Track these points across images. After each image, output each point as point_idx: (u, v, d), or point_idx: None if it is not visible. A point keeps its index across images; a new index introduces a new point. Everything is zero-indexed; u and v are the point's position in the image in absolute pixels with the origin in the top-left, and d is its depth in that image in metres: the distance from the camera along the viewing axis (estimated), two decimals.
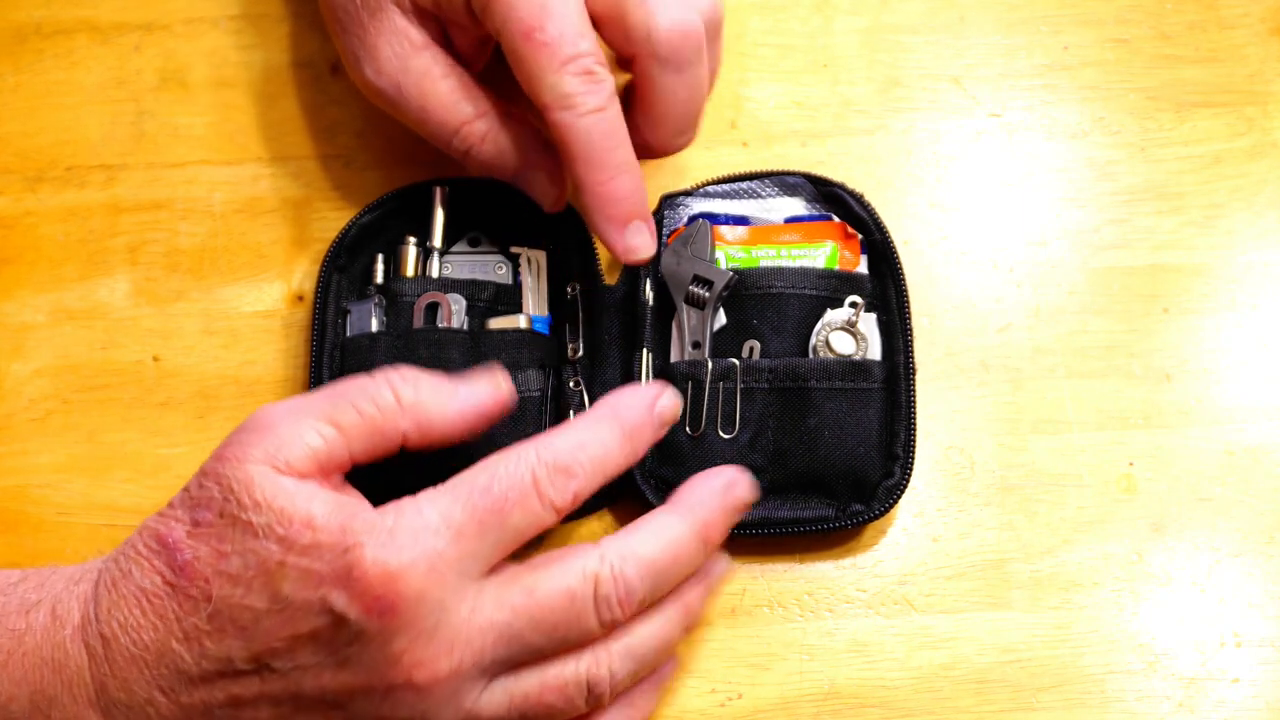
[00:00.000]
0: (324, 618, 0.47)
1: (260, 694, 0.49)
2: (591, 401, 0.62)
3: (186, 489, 0.50)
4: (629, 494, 0.62)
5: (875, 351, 0.62)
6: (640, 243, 0.59)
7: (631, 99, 0.60)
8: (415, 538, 0.48)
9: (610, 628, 0.51)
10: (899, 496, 0.61)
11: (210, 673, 0.48)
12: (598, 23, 0.58)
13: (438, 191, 0.65)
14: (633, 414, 0.54)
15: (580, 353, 0.63)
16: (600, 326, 0.64)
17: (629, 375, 0.63)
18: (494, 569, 0.50)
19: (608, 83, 0.57)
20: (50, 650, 0.49)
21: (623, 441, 0.53)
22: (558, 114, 0.56)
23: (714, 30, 0.60)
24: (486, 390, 0.54)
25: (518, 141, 0.61)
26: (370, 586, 0.47)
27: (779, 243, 0.65)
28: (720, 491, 0.55)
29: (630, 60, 0.59)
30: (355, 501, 0.49)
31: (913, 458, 0.61)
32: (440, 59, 0.60)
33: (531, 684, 0.51)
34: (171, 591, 0.48)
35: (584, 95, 0.56)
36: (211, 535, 0.48)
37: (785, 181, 0.66)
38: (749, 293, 0.63)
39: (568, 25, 0.56)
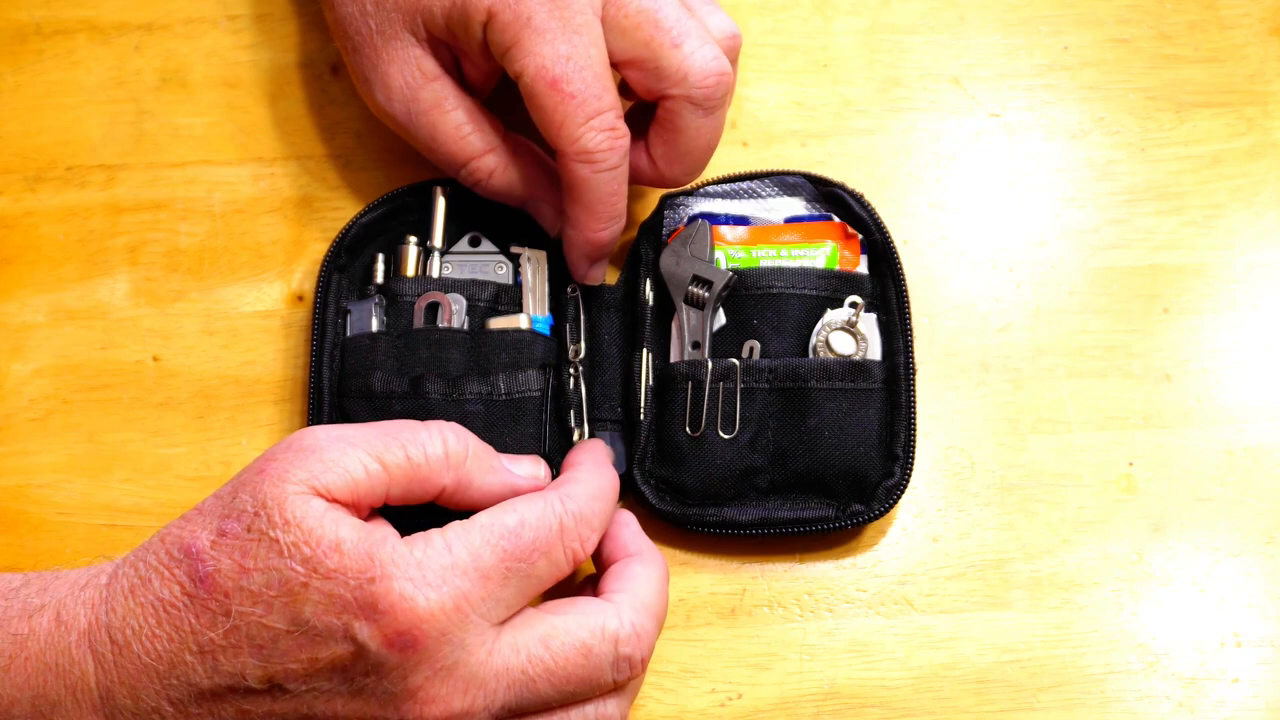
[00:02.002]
0: (344, 645, 0.47)
1: (270, 713, 0.48)
2: (592, 401, 0.62)
3: (219, 496, 0.50)
4: (629, 493, 0.62)
5: (875, 351, 0.62)
6: (600, 273, 0.63)
7: (651, 133, 0.61)
8: (443, 576, 0.48)
9: (623, 684, 0.52)
10: (899, 496, 0.61)
11: (222, 688, 0.48)
12: (624, 64, 0.59)
13: (438, 191, 0.65)
14: (614, 471, 0.57)
15: (581, 353, 0.63)
16: (600, 326, 0.64)
17: (629, 375, 0.63)
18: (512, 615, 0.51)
19: (625, 139, 0.58)
20: (54, 655, 0.49)
21: (615, 495, 0.55)
22: (576, 166, 0.58)
23: (732, 57, 0.61)
24: (527, 472, 0.55)
25: (524, 175, 0.62)
26: (395, 620, 0.47)
27: (779, 243, 0.65)
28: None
29: (657, 99, 0.59)
30: (383, 529, 0.49)
31: (913, 458, 0.61)
32: (451, 89, 0.61)
33: None
34: (190, 603, 0.48)
35: (606, 154, 0.57)
36: (236, 549, 0.48)
37: (785, 181, 0.66)
38: (749, 293, 0.63)
39: (592, 78, 0.56)
